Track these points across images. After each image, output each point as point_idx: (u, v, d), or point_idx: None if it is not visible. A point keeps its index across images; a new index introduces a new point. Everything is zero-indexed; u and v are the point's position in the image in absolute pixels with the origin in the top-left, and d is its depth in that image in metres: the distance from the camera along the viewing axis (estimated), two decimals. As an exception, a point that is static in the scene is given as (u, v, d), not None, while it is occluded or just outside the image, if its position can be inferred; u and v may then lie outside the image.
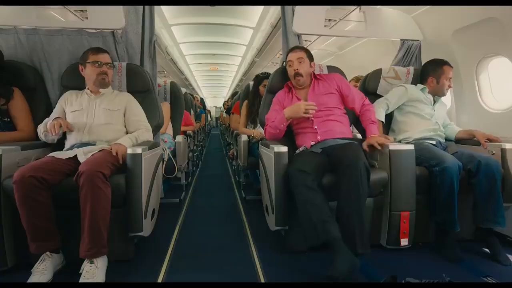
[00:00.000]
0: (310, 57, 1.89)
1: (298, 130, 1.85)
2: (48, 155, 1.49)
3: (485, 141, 1.81)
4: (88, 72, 1.72)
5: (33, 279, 1.26)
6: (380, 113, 1.98)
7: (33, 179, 1.27)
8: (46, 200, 1.31)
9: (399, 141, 1.95)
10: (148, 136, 1.79)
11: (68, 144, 1.66)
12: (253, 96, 2.76)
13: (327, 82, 1.87)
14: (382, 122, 2.00)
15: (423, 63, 2.50)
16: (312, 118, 1.76)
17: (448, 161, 1.57)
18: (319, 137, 1.74)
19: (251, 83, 2.90)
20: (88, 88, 1.77)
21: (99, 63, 1.71)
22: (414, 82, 2.17)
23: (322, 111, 1.78)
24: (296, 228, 1.61)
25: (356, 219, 1.37)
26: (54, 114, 1.71)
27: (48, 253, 1.34)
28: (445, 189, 1.57)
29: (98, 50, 1.75)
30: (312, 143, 1.74)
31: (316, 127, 1.76)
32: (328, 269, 1.28)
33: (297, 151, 1.75)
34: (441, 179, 1.57)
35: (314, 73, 1.91)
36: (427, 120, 1.97)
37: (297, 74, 1.83)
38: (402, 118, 2.04)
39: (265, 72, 2.80)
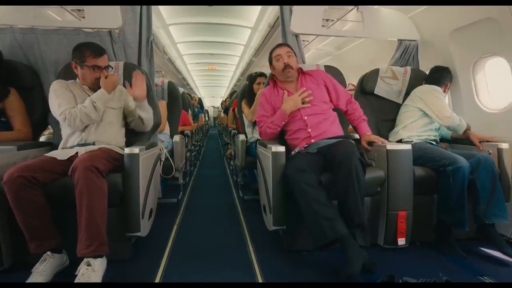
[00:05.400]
0: (295, 54, 1.91)
1: (292, 133, 1.82)
2: (46, 155, 1.47)
3: (480, 142, 1.83)
4: (85, 75, 1.62)
5: (31, 279, 1.25)
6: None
7: (22, 179, 1.25)
8: (38, 199, 1.30)
9: (401, 140, 1.96)
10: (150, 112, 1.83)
11: (69, 143, 1.60)
12: (249, 95, 2.75)
13: (314, 77, 1.88)
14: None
15: (420, 63, 2.52)
16: (305, 118, 1.75)
17: (460, 161, 1.59)
18: (312, 140, 1.73)
19: None
20: (83, 84, 1.67)
21: (99, 67, 1.61)
22: (412, 82, 2.18)
23: (315, 105, 1.77)
24: (294, 227, 1.62)
25: (354, 214, 1.39)
26: (64, 102, 1.55)
27: (49, 253, 1.33)
28: (457, 188, 1.58)
29: (98, 53, 1.61)
30: (306, 145, 1.74)
31: (310, 130, 1.74)
32: (344, 267, 1.28)
33: (292, 153, 1.75)
34: (454, 178, 1.58)
35: (301, 68, 1.92)
36: (433, 123, 2.00)
37: (287, 66, 1.80)
38: (415, 115, 2.01)
39: (258, 72, 2.79)
